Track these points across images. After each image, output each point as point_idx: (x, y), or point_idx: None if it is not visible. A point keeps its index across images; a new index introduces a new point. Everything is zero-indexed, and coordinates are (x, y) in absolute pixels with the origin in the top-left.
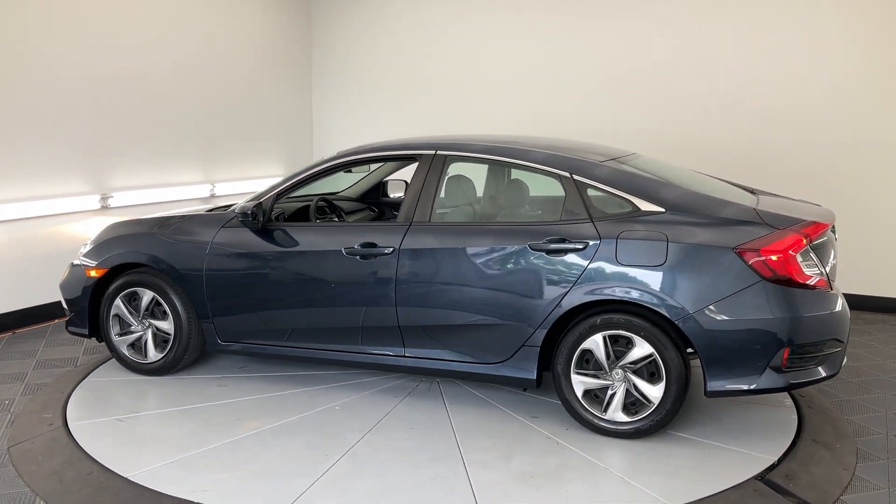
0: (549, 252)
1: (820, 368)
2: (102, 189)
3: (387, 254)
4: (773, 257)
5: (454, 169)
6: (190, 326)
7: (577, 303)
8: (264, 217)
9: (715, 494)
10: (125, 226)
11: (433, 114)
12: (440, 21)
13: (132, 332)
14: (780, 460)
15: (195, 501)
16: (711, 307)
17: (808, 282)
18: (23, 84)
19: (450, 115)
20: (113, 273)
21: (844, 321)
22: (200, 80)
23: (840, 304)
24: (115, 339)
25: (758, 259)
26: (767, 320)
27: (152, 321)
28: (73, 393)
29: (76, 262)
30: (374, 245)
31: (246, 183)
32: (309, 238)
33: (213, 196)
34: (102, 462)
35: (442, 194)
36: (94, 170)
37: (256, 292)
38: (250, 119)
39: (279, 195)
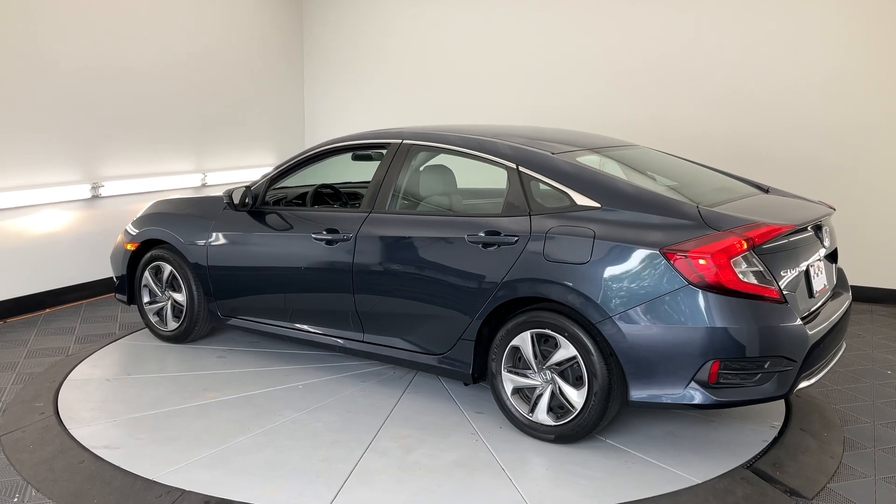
0: (484, 245)
1: (762, 387)
2: (93, 178)
3: (346, 240)
4: (701, 261)
5: (422, 158)
6: (199, 300)
7: (504, 298)
8: (254, 201)
9: (702, 483)
10: (162, 204)
11: (427, 104)
12: (434, 10)
13: (157, 302)
14: (767, 449)
15: (186, 489)
16: (633, 311)
17: (745, 290)
18: (14, 73)
19: (444, 105)
20: (146, 247)
21: (799, 338)
22: (192, 69)
23: (793, 319)
24: (145, 307)
25: (684, 261)
26: (691, 329)
27: (171, 293)
28: (65, 382)
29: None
30: (336, 231)
31: (238, 172)
32: (286, 222)
33: (204, 185)
34: (94, 451)
35: (405, 183)
36: (85, 159)
37: (244, 272)
38: (242, 108)
39: (272, 181)
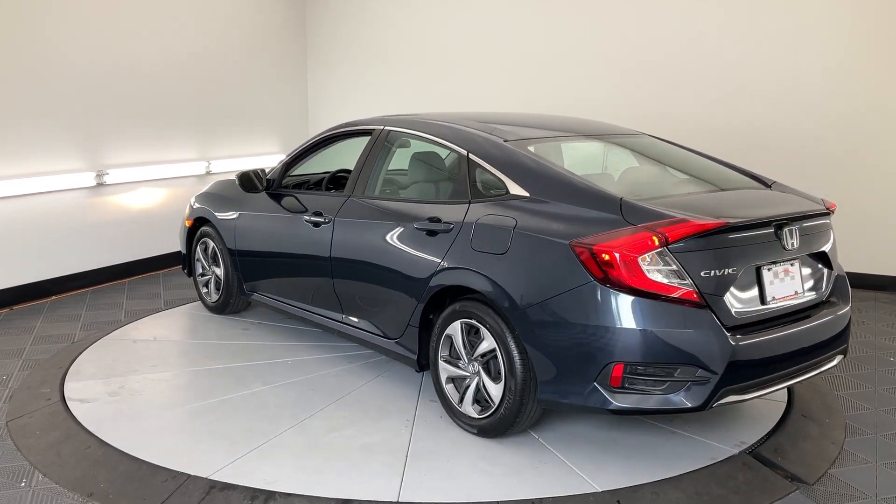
0: (427, 232)
1: (671, 397)
2: (98, 166)
3: (327, 223)
4: (605, 256)
5: (397, 145)
6: (232, 275)
7: (439, 287)
8: (268, 184)
9: (703, 468)
10: (217, 184)
11: (431, 92)
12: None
13: (206, 275)
14: (768, 434)
15: (190, 473)
16: (541, 305)
17: (653, 290)
18: (20, 63)
19: (447, 93)
20: (200, 223)
21: (717, 347)
22: (197, 58)
23: (712, 324)
24: (198, 278)
25: (590, 256)
26: (594, 328)
27: (214, 268)
28: (71, 368)
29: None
30: (321, 214)
31: (241, 160)
32: (289, 204)
33: (208, 173)
34: (100, 436)
35: (380, 169)
36: (90, 147)
37: (257, 250)
38: (246, 96)
39: (287, 165)
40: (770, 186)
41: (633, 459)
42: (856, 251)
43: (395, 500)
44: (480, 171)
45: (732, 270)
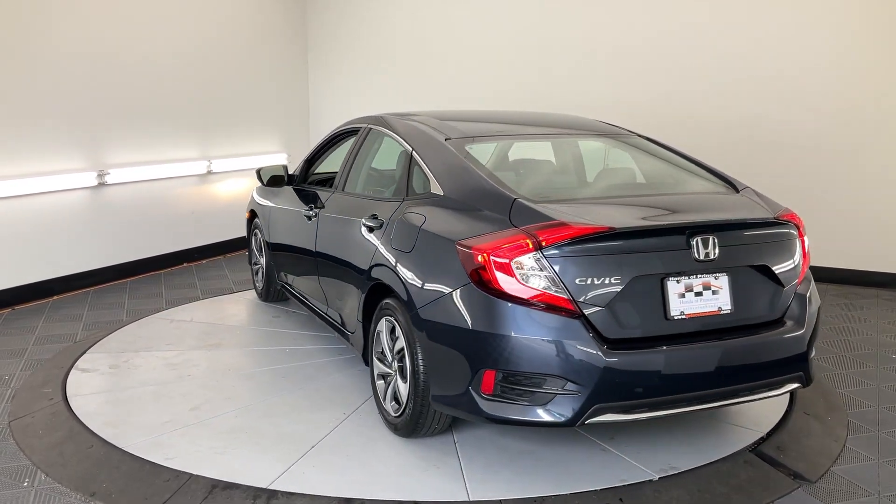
0: (368, 229)
1: (539, 409)
2: (99, 166)
3: (315, 217)
4: (480, 258)
5: (377, 142)
6: (269, 264)
7: (370, 283)
8: (287, 179)
9: (706, 465)
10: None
11: (432, 90)
12: None
13: (257, 264)
14: (771, 432)
15: (192, 473)
16: (431, 305)
17: (523, 296)
18: (20, 61)
19: (450, 91)
20: (254, 216)
21: (586, 360)
22: (197, 56)
23: (582, 336)
24: (252, 266)
25: (469, 258)
26: (468, 332)
27: (260, 257)
28: (73, 368)
29: None
30: (312, 208)
31: (243, 159)
32: (300, 199)
33: (209, 172)
34: (102, 436)
35: (359, 165)
36: (91, 147)
37: (280, 242)
38: (247, 95)
39: (308, 161)
40: (738, 192)
41: (544, 470)
42: (858, 248)
43: (265, 486)
44: (417, 168)
45: (616, 280)
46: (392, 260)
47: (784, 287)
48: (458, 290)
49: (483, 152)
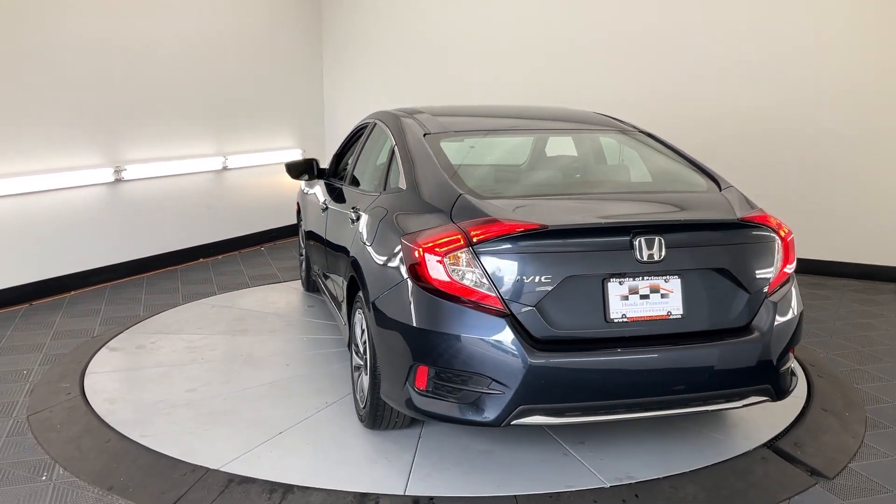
0: (350, 221)
1: (466, 407)
2: (116, 162)
3: (324, 210)
4: (417, 253)
5: (380, 138)
6: (307, 253)
7: (349, 275)
8: (317, 172)
9: (722, 462)
10: None
11: (448, 83)
12: None
13: (302, 255)
14: (788, 428)
15: (207, 466)
16: (380, 299)
17: (451, 292)
18: (37, 58)
19: (466, 86)
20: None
21: (509, 360)
22: (212, 52)
23: (506, 335)
24: (299, 257)
25: (409, 252)
26: (405, 326)
27: (303, 249)
28: (90, 363)
29: None
30: (325, 201)
31: (258, 155)
32: (324, 192)
33: (225, 168)
34: (119, 430)
35: (364, 160)
36: (107, 143)
37: (308, 231)
38: (262, 91)
39: (336, 156)
40: (721, 190)
41: (493, 471)
42: (879, 242)
43: (217, 468)
44: (395, 163)
45: (547, 279)
46: (359, 252)
47: (750, 293)
48: (400, 285)
49: (459, 148)
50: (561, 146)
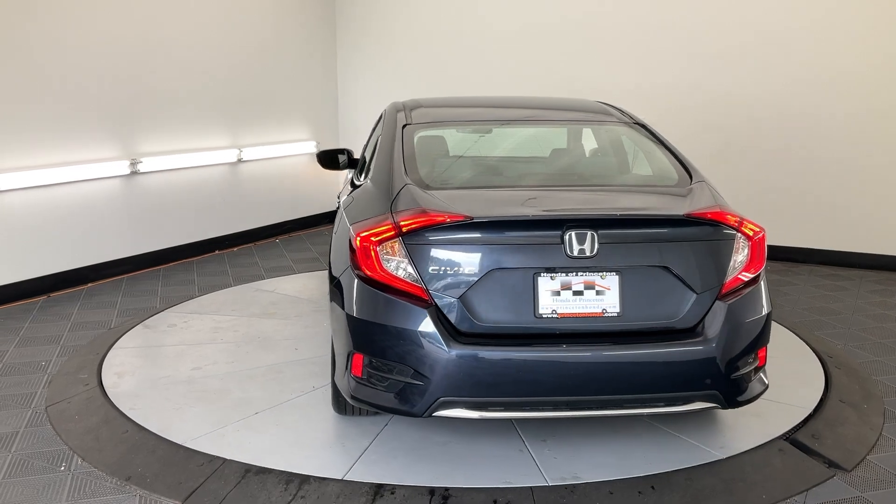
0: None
1: (392, 396)
2: (132, 155)
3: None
4: (356, 241)
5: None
6: None
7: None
8: (346, 162)
9: (740, 454)
10: None
11: (462, 75)
12: None
13: None
14: (806, 420)
15: (224, 457)
16: (333, 286)
17: (381, 281)
18: (52, 51)
19: (483, 76)
20: None
21: (429, 352)
22: (227, 45)
23: (426, 327)
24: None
25: (352, 241)
26: (345, 314)
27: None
28: (108, 354)
29: None
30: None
31: (273, 147)
32: (347, 183)
33: (240, 161)
34: (137, 421)
35: (372, 152)
36: (123, 136)
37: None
38: (277, 84)
39: (365, 147)
40: (691, 184)
41: (443, 463)
42: (890, 232)
43: (180, 443)
44: (375, 154)
45: (472, 271)
46: (334, 242)
47: (697, 293)
48: (345, 273)
49: (434, 139)
50: (545, 138)
